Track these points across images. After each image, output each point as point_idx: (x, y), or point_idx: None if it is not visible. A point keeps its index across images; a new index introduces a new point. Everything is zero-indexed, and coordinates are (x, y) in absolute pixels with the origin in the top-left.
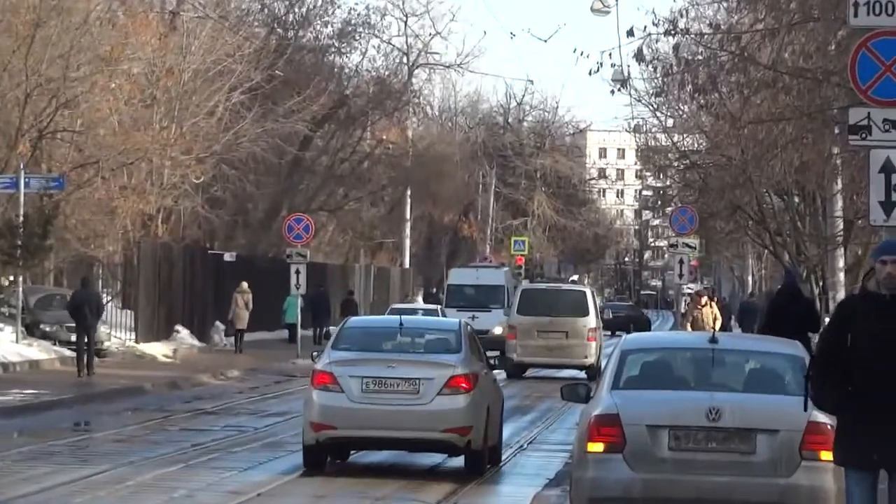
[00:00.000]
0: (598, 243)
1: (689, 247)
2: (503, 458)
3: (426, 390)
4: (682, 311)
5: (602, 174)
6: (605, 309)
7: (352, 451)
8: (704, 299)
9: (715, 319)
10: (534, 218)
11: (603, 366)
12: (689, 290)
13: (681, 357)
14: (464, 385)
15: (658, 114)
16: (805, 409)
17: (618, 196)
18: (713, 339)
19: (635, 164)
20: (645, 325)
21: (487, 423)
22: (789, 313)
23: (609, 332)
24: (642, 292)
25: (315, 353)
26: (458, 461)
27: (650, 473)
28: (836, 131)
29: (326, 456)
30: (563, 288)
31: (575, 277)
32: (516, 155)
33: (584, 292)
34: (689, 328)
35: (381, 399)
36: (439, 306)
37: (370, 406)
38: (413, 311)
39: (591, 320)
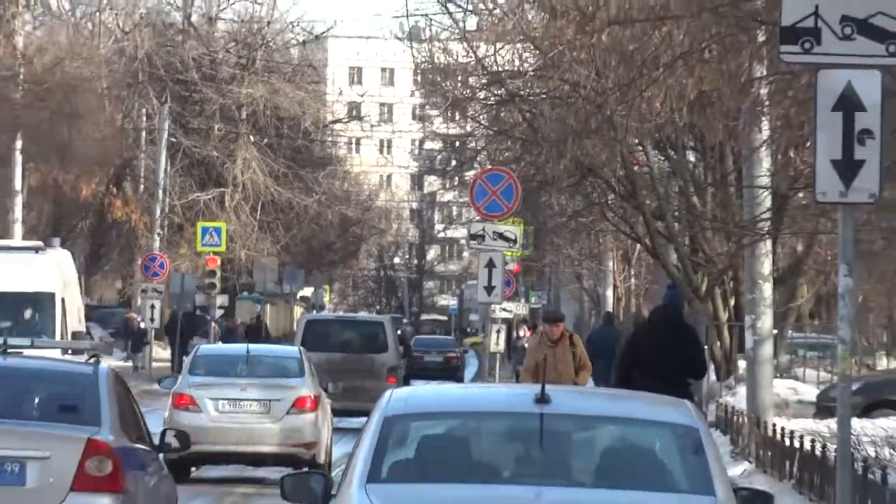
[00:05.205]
0: (348, 233)
1: (506, 239)
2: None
3: (276, 409)
4: (514, 347)
5: (355, 112)
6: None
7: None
8: (560, 328)
9: (579, 366)
10: (237, 189)
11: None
12: (506, 314)
13: (487, 428)
14: (309, 405)
15: (452, 5)
16: None
17: (383, 150)
18: (542, 398)
19: (413, 93)
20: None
21: (328, 440)
22: (662, 350)
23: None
24: (425, 317)
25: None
26: None
27: None
28: (762, 37)
29: (188, 469)
30: (357, 319)
31: (307, 291)
32: (206, 81)
33: (381, 323)
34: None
35: (236, 418)
36: None
37: (226, 424)
38: None
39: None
